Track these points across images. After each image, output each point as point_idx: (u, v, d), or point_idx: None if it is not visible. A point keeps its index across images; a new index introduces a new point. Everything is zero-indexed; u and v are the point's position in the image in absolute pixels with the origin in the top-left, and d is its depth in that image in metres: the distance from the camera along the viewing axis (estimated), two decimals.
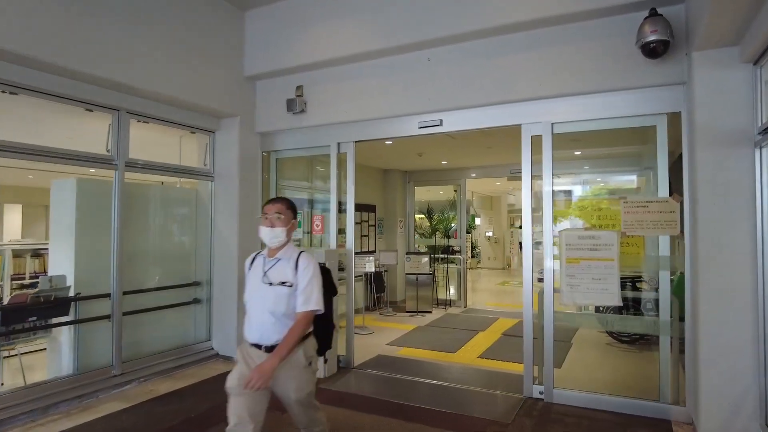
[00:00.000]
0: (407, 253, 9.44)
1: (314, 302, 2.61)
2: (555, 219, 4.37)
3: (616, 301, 4.02)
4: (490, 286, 13.31)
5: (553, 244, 4.31)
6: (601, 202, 4.67)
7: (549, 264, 4.35)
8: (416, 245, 10.79)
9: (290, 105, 5.46)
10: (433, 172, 10.38)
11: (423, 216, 11.42)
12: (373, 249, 9.47)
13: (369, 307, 8.97)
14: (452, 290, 9.92)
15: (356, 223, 8.92)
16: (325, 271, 2.83)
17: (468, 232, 12.07)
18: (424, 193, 11.75)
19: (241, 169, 5.70)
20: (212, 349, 5.76)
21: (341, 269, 5.37)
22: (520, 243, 18.19)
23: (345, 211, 5.48)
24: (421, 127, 4.98)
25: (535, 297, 4.47)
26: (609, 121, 4.23)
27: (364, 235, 9.27)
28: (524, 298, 4.50)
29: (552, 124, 4.37)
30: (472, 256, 16.92)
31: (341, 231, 5.55)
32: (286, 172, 6.35)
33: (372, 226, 9.56)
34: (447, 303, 9.57)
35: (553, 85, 4.29)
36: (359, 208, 8.93)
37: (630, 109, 4.09)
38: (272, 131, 5.87)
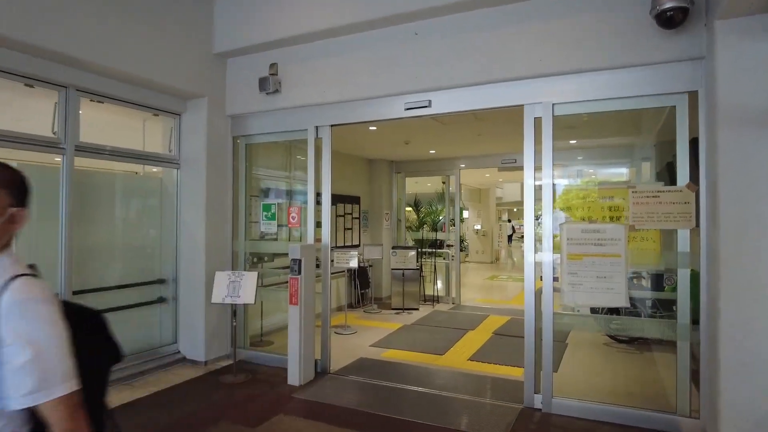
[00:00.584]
0: (393, 248, 8.98)
1: (60, 377, 1.15)
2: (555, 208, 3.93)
3: (623, 302, 3.61)
4: (479, 280, 12.93)
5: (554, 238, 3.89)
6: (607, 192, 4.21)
7: (548, 259, 3.93)
8: (405, 239, 10.35)
9: (263, 84, 4.94)
10: (421, 162, 9.91)
11: (410, 208, 10.98)
12: (357, 243, 8.99)
13: (352, 304, 8.50)
14: (440, 285, 9.51)
15: (339, 216, 8.48)
16: (86, 317, 1.45)
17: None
18: (411, 185, 11.30)
19: (209, 156, 5.17)
20: (179, 352, 5.25)
21: (318, 266, 4.91)
22: (509, 236, 17.88)
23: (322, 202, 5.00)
24: (408, 109, 4.51)
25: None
26: (619, 101, 3.78)
27: (348, 229, 8.79)
28: (525, 296, 4.04)
29: (553, 105, 3.92)
30: (461, 250, 16.53)
31: (319, 224, 5.07)
32: (259, 160, 5.84)
33: (356, 218, 9.07)
34: (434, 299, 9.15)
35: (553, 61, 3.85)
36: (342, 199, 8.45)
37: (641, 87, 3.65)
38: (244, 114, 5.35)
